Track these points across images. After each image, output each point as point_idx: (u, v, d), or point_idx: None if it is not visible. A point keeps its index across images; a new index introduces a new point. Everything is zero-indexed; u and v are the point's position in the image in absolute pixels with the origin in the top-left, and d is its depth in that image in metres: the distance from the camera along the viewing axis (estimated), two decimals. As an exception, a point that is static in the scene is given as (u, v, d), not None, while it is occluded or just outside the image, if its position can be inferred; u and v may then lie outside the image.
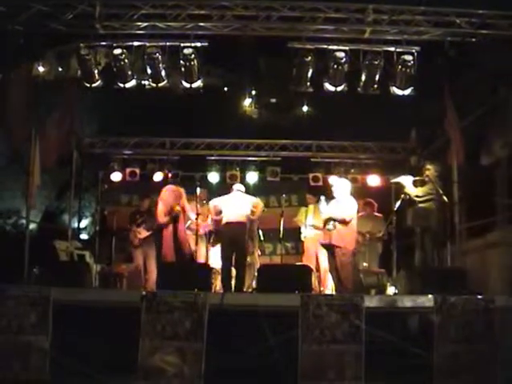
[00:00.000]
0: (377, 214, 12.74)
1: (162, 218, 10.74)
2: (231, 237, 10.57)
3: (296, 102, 16.63)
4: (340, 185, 10.38)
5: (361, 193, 13.42)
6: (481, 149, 10.85)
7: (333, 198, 10.31)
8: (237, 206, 10.78)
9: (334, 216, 9.96)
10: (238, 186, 11.31)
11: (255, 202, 11.07)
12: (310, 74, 10.59)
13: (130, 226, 11.91)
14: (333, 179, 10.79)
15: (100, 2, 9.96)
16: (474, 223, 11.43)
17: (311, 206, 12.49)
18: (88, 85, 10.69)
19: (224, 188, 13.88)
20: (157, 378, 6.95)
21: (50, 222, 17.84)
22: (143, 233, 11.71)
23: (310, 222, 12.28)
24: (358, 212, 10.58)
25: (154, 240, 11.50)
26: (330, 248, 9.99)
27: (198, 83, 10.73)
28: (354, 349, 7.06)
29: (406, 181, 10.91)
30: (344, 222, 9.89)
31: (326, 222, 10.11)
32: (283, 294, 7.97)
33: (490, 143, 10.70)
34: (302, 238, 12.67)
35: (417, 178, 10.94)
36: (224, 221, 10.73)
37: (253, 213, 10.94)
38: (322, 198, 10.45)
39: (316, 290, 11.00)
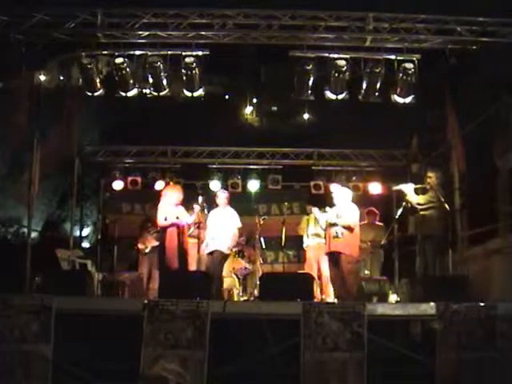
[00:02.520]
0: (378, 223, 12.76)
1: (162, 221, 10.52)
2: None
3: (297, 110, 16.68)
4: (340, 192, 10.39)
5: (362, 201, 13.43)
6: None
7: (334, 205, 10.34)
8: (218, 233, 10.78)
9: (340, 223, 9.99)
10: (222, 199, 11.19)
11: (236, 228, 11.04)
12: (311, 82, 10.61)
13: (141, 232, 11.91)
14: (333, 187, 10.78)
15: (101, 11, 10.03)
16: (475, 231, 11.42)
17: (312, 215, 12.49)
18: (90, 93, 10.71)
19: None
20: (159, 387, 6.95)
21: (51, 230, 17.86)
22: (152, 242, 11.71)
23: (312, 231, 12.27)
24: (361, 220, 10.60)
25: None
26: (335, 256, 9.99)
27: (200, 92, 10.75)
28: (356, 357, 7.04)
29: (408, 188, 10.89)
30: (350, 229, 9.93)
31: (331, 226, 10.15)
32: (285, 302, 7.96)
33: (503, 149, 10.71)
34: (304, 247, 12.67)
35: (418, 186, 10.93)
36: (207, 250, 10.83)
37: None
38: (314, 209, 10.52)
39: (318, 298, 11.01)
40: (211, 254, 10.74)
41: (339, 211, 10.13)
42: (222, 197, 11.10)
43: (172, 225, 10.37)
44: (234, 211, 11.09)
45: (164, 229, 10.47)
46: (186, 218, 10.63)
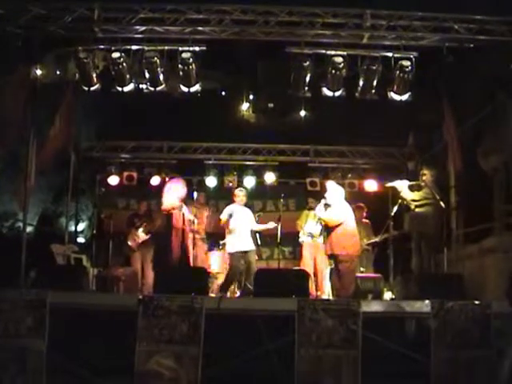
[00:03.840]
0: (365, 220, 12.75)
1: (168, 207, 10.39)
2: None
3: (294, 106, 16.62)
4: (332, 190, 10.38)
5: (358, 198, 13.45)
6: (478, 154, 10.89)
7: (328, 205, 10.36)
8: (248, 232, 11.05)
9: (322, 217, 10.19)
10: (242, 198, 11.31)
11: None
12: (307, 79, 10.60)
13: (128, 228, 11.89)
14: (328, 184, 10.78)
15: (98, 6, 9.99)
16: (470, 229, 11.44)
17: (312, 212, 12.42)
18: (86, 88, 10.69)
19: (221, 192, 13.95)
20: (153, 382, 6.94)
21: (46, 225, 17.81)
22: (141, 236, 11.71)
23: (308, 229, 12.24)
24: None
25: (152, 243, 11.60)
26: (333, 257, 9.99)
27: (196, 87, 10.74)
28: (350, 354, 7.05)
29: (402, 185, 10.90)
30: (326, 225, 10.03)
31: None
32: (280, 298, 7.95)
33: (487, 148, 10.75)
34: (300, 241, 12.63)
35: (413, 183, 10.94)
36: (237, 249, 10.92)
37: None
38: (323, 201, 10.48)
39: (313, 295, 11.01)
40: (245, 252, 10.85)
41: (329, 210, 10.18)
42: (242, 195, 11.16)
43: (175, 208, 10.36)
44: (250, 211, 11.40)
45: (169, 213, 10.35)
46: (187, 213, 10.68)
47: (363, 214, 12.80)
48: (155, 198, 12.40)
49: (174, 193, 10.36)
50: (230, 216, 11.04)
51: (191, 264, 10.82)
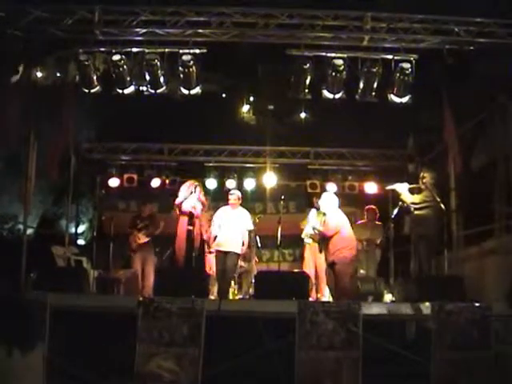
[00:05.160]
0: (377, 222, 12.73)
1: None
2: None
3: (294, 108, 16.63)
4: (326, 199, 10.34)
5: (358, 200, 13.45)
6: (472, 154, 10.93)
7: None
8: (233, 234, 10.80)
9: (317, 229, 10.17)
10: (234, 195, 11.22)
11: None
12: (308, 81, 10.60)
13: (131, 229, 11.90)
14: (326, 190, 10.75)
15: (99, 8, 9.99)
16: (471, 231, 11.45)
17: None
18: (86, 90, 10.69)
19: (222, 194, 13.93)
20: (153, 384, 6.95)
21: (47, 227, 17.79)
22: (142, 238, 11.71)
23: (307, 231, 12.22)
24: (357, 219, 10.59)
25: (154, 246, 11.67)
26: (331, 264, 9.96)
27: (197, 90, 10.74)
28: (351, 356, 7.05)
29: (402, 188, 10.91)
30: (323, 236, 9.99)
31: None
32: (280, 300, 7.96)
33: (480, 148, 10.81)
34: (304, 243, 12.59)
35: (413, 186, 10.95)
36: (217, 247, 10.85)
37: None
38: (313, 210, 10.51)
39: (313, 297, 11.01)
40: (226, 253, 10.68)
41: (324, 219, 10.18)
42: (232, 199, 11.11)
43: (184, 213, 10.69)
44: (246, 211, 11.22)
45: (177, 217, 10.86)
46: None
47: (375, 216, 12.78)
48: (157, 201, 12.44)
49: (185, 191, 10.95)
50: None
51: (206, 266, 10.97)
